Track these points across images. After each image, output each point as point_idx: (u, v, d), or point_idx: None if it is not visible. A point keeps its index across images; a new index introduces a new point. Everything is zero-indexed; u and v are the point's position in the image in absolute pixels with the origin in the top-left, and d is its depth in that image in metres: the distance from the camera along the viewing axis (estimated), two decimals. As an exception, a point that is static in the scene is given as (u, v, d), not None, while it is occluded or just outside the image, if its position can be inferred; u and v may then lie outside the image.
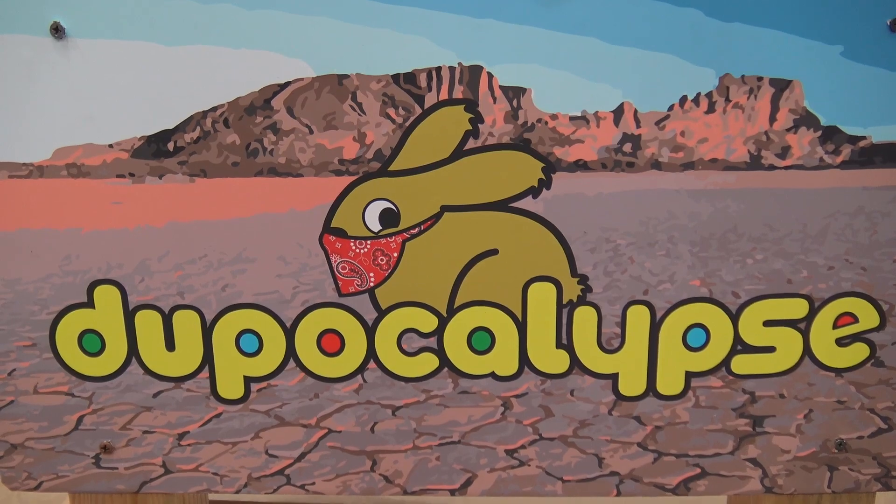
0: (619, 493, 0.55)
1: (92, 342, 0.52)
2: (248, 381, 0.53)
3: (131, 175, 0.49)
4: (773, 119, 0.48)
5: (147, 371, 0.53)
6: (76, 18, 0.47)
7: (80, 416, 0.54)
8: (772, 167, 0.49)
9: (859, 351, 0.53)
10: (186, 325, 0.52)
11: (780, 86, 0.48)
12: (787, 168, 0.49)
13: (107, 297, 0.51)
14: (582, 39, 0.47)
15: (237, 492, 0.55)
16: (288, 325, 0.52)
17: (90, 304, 0.52)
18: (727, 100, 0.48)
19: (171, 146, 0.49)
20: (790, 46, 0.47)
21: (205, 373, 0.53)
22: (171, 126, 0.48)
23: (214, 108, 0.48)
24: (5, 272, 0.51)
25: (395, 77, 0.47)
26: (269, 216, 0.50)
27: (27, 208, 0.50)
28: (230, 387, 0.53)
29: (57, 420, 0.54)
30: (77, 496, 0.57)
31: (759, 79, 0.48)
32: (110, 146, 0.49)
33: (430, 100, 0.48)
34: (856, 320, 0.52)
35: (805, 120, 0.48)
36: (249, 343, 0.52)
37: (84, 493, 0.56)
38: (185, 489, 0.55)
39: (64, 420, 0.54)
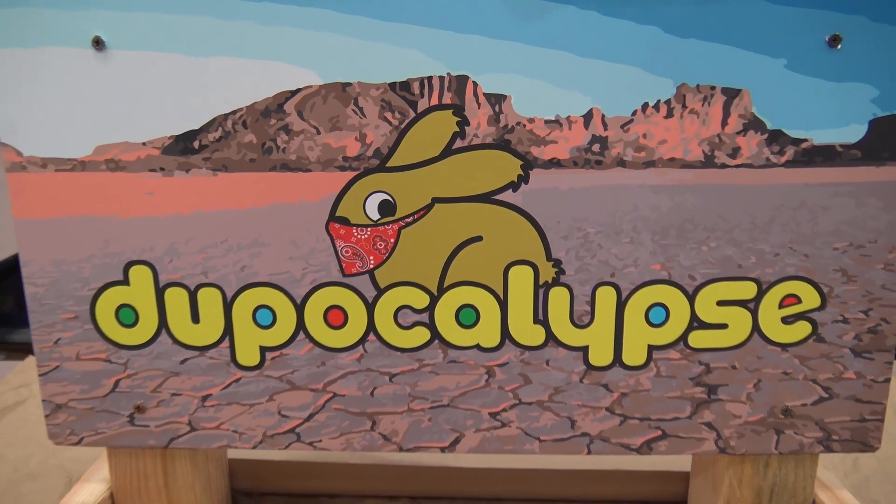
0: (589, 452, 0.62)
1: (127, 315, 0.60)
2: (263, 350, 0.60)
3: (162, 169, 0.56)
4: (724, 123, 0.55)
5: (175, 341, 0.60)
6: (114, 33, 0.54)
7: (116, 380, 0.61)
8: (724, 166, 0.56)
9: (802, 328, 0.59)
10: (210, 301, 0.59)
11: (731, 94, 0.54)
12: (737, 167, 0.56)
13: (140, 275, 0.59)
14: (555, 53, 0.53)
15: (253, 447, 0.63)
16: (298, 301, 0.59)
17: (125, 281, 0.59)
18: (684, 106, 0.54)
19: (196, 144, 0.56)
20: (740, 59, 0.53)
21: (225, 343, 0.60)
22: (196, 127, 0.55)
23: (234, 112, 0.55)
24: (52, 254, 0.59)
25: (392, 85, 0.54)
26: (281, 206, 0.57)
27: (71, 198, 0.57)
28: (248, 355, 0.60)
29: (96, 383, 0.62)
30: (113, 450, 0.64)
31: (713, 87, 0.54)
32: (144, 144, 0.56)
33: (422, 105, 0.54)
34: (799, 301, 0.59)
35: (753, 124, 0.55)
36: (264, 317, 0.59)
37: (119, 447, 0.64)
38: (209, 445, 0.63)
39: (102, 383, 0.62)
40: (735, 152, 0.55)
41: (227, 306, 0.59)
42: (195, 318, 0.59)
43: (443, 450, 0.62)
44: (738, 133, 0.55)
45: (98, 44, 0.54)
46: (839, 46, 0.53)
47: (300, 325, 0.59)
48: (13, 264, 1.60)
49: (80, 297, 0.59)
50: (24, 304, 0.60)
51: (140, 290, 0.59)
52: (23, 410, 0.94)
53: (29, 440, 0.82)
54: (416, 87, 0.54)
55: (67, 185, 0.57)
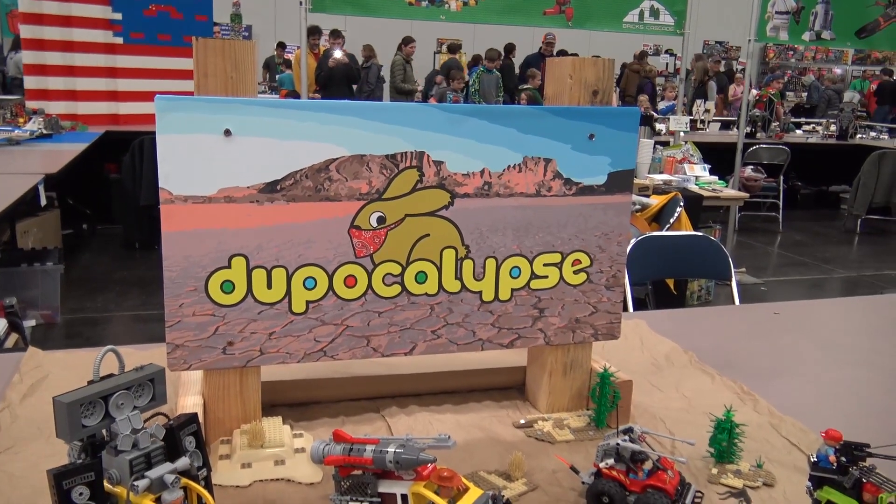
0: (482, 349, 1.15)
1: (227, 286, 1.02)
2: (308, 302, 1.05)
3: (257, 202, 1.00)
4: (545, 175, 1.12)
5: (255, 300, 1.03)
6: (237, 127, 0.97)
7: (216, 327, 1.03)
8: (544, 196, 1.12)
9: (582, 276, 1.18)
10: (278, 275, 1.03)
11: (547, 160, 1.11)
12: (550, 196, 1.13)
13: (238, 263, 1.01)
14: (467, 141, 1.07)
15: (297, 362, 1.07)
16: (330, 272, 1.05)
17: (228, 266, 1.01)
18: (527, 167, 1.10)
19: (278, 187, 1.00)
20: (551, 145, 1.11)
21: (286, 300, 1.04)
22: (279, 178, 1.00)
23: (301, 169, 1.01)
24: (183, 252, 0.99)
25: (387, 156, 1.04)
26: (324, 220, 1.03)
27: (200, 218, 0.99)
28: (298, 306, 1.05)
29: (203, 330, 1.02)
30: (208, 371, 1.05)
31: (539, 157, 1.11)
32: (248, 187, 0.99)
33: (402, 166, 1.04)
34: (580, 262, 1.17)
35: (557, 175, 1.12)
36: (310, 283, 1.05)
37: (213, 369, 1.05)
38: (271, 363, 1.06)
39: (207, 329, 1.02)
40: (549, 189, 1.12)
41: (289, 278, 1.04)
42: (269, 286, 1.03)
43: (406, 354, 1.12)
44: (551, 180, 1.12)
45: (227, 133, 0.97)
46: (594, 139, 1.12)
47: (330, 287, 1.06)
48: None
49: (199, 277, 1.01)
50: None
51: (237, 271, 1.02)
52: (49, 382, 1.25)
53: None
54: (398, 157, 1.04)
55: (199, 211, 0.98)
